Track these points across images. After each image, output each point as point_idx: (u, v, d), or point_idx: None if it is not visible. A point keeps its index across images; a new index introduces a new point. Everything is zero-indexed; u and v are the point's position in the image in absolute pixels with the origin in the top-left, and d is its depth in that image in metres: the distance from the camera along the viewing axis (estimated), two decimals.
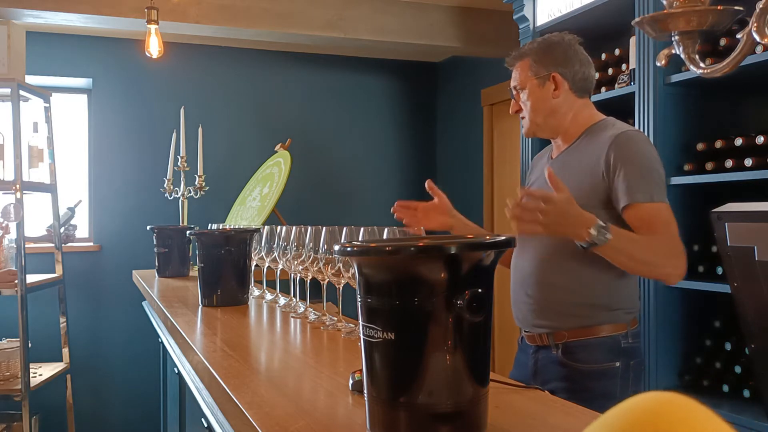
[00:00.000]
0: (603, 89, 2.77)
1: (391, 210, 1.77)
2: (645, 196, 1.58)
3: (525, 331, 1.79)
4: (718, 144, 2.33)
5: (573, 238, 1.49)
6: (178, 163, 3.43)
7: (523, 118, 1.81)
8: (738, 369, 2.30)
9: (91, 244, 4.43)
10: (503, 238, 0.81)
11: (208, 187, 3.50)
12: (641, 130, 2.47)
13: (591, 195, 1.63)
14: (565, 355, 1.67)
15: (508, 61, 1.83)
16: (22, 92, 3.41)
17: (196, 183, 3.45)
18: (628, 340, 1.67)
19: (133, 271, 3.21)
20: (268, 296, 2.12)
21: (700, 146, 2.42)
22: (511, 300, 1.83)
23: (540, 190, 1.51)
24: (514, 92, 1.81)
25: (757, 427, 2.06)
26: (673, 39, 0.86)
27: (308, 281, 1.67)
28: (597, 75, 2.80)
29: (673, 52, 0.88)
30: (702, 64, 0.84)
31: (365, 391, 0.83)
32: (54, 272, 3.83)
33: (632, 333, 1.69)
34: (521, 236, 1.53)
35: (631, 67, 2.62)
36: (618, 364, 1.65)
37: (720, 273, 2.32)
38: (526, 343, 1.79)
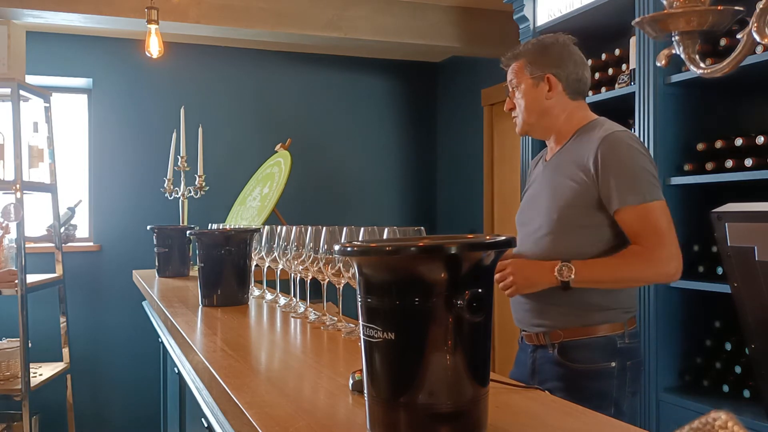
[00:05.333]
0: (603, 89, 2.77)
1: None
2: (637, 197, 1.58)
3: (523, 331, 1.80)
4: (718, 144, 2.33)
5: (548, 285, 1.64)
6: (178, 163, 3.43)
7: (515, 116, 1.84)
8: (738, 369, 2.30)
9: (91, 244, 4.43)
10: (503, 238, 0.81)
11: (208, 187, 3.50)
12: (641, 130, 2.48)
13: (583, 196, 1.64)
14: (561, 354, 1.67)
15: (503, 61, 1.86)
16: (22, 92, 3.41)
17: (196, 183, 3.45)
18: (624, 340, 1.67)
19: (133, 271, 3.20)
20: (269, 296, 2.12)
21: (700, 146, 2.42)
22: (510, 300, 1.83)
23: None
24: (510, 90, 1.84)
25: (757, 427, 2.06)
26: (673, 39, 0.86)
27: (308, 281, 1.67)
28: (597, 75, 2.81)
29: (673, 52, 0.88)
30: (702, 64, 0.84)
31: (365, 391, 0.83)
32: (54, 272, 3.82)
33: (629, 333, 1.68)
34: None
35: (631, 67, 2.62)
36: (614, 364, 1.65)
37: (720, 273, 2.32)
38: (525, 343, 1.80)
